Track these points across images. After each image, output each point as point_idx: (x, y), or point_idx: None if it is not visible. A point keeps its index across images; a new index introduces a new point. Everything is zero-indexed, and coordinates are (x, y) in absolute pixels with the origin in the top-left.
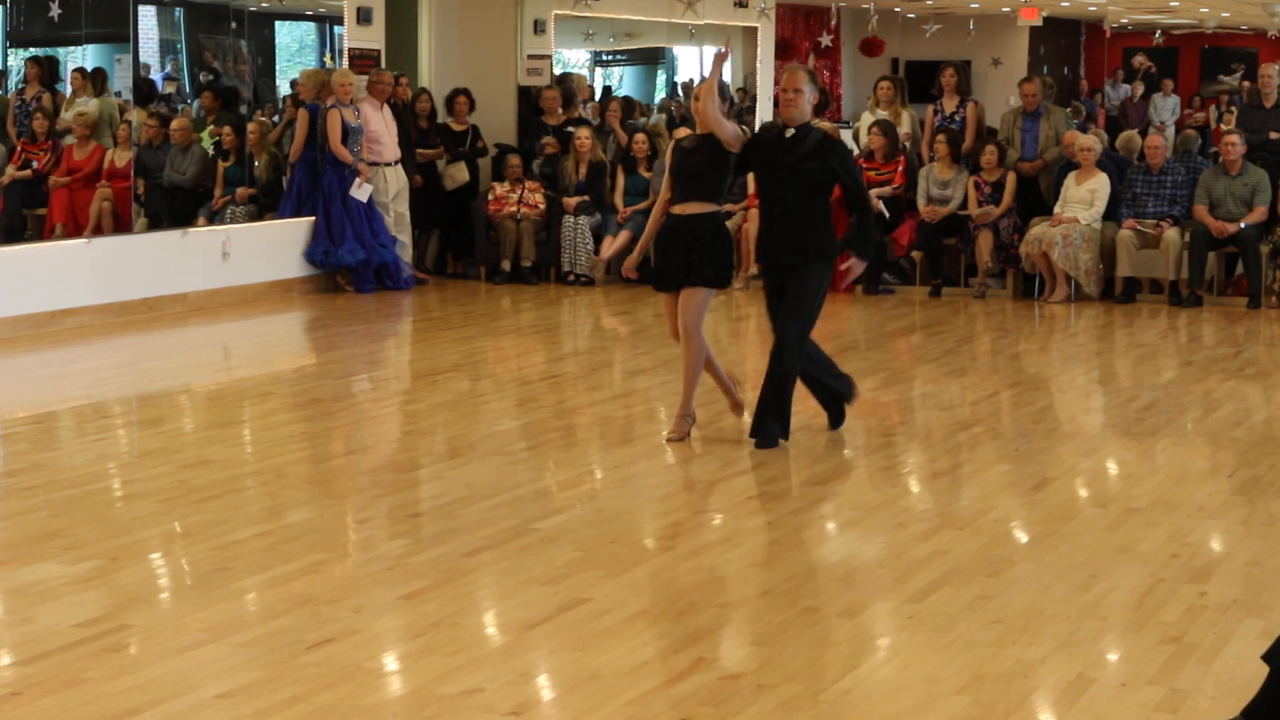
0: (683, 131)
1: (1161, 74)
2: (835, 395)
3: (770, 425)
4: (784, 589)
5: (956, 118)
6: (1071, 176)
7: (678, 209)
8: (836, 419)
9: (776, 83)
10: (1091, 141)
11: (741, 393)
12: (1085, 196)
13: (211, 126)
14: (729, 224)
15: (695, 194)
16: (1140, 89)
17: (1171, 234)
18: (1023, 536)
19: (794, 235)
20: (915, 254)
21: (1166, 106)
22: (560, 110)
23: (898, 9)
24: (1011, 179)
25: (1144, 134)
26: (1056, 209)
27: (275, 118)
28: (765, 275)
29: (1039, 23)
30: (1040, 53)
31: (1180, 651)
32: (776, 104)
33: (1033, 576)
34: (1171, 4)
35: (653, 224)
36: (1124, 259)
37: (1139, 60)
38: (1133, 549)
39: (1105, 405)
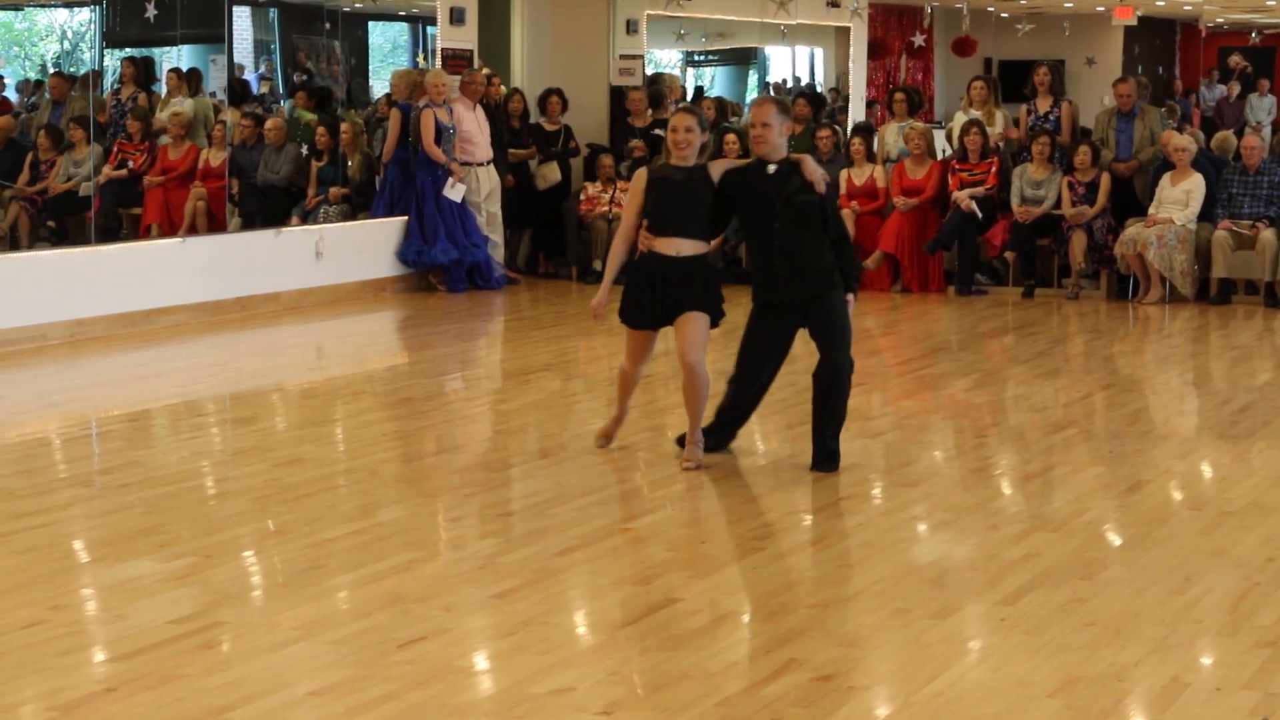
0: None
1: (1258, 74)
2: (726, 428)
3: (836, 456)
4: (875, 590)
5: (1050, 117)
6: (1167, 177)
7: (666, 248)
8: (714, 440)
9: (869, 83)
10: (1187, 142)
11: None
12: (1180, 197)
13: (308, 118)
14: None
15: (691, 231)
16: (1236, 89)
17: (1267, 235)
18: (1116, 539)
19: (801, 269)
20: (1008, 254)
21: (1263, 106)
22: (648, 112)
23: (991, 8)
24: (1106, 179)
25: (1240, 134)
26: (1151, 209)
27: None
28: (764, 312)
29: (1134, 22)
30: (1135, 52)
31: (1276, 656)
32: (871, 105)
33: (1126, 579)
34: (1268, 3)
35: (615, 260)
36: (1219, 260)
37: (1235, 60)
38: (1228, 552)
39: (1200, 407)
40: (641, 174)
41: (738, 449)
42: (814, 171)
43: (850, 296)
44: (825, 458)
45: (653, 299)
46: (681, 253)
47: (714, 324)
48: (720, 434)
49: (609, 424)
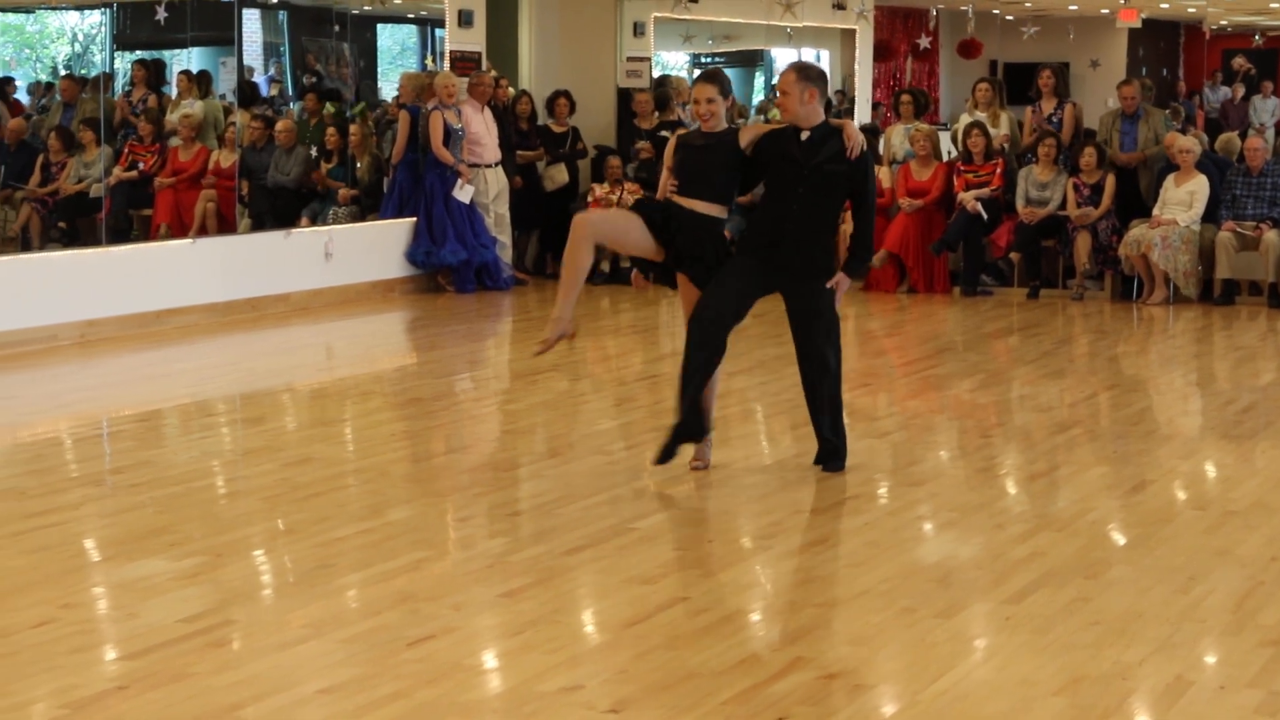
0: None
1: (1261, 76)
2: (694, 422)
3: (840, 453)
4: (881, 589)
5: (1054, 119)
6: (1171, 178)
7: (685, 202)
8: (672, 444)
9: (875, 85)
10: (1191, 143)
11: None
12: (1184, 198)
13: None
14: None
15: (707, 194)
16: (1240, 91)
17: (1271, 236)
18: (1121, 539)
19: (803, 246)
20: (1013, 255)
21: (1266, 108)
22: (654, 114)
23: (996, 11)
24: (1110, 181)
25: (1244, 136)
26: (1155, 211)
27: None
28: (750, 260)
29: (1138, 24)
30: (1139, 54)
31: (1279, 655)
32: (877, 107)
33: (1131, 579)
34: (1272, 5)
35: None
36: (1223, 261)
37: (1238, 62)
38: (1231, 552)
39: (1204, 408)
40: (673, 139)
41: (743, 450)
42: (854, 138)
43: (843, 278)
44: (829, 454)
45: (663, 220)
46: (696, 210)
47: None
48: (696, 426)
49: (549, 327)
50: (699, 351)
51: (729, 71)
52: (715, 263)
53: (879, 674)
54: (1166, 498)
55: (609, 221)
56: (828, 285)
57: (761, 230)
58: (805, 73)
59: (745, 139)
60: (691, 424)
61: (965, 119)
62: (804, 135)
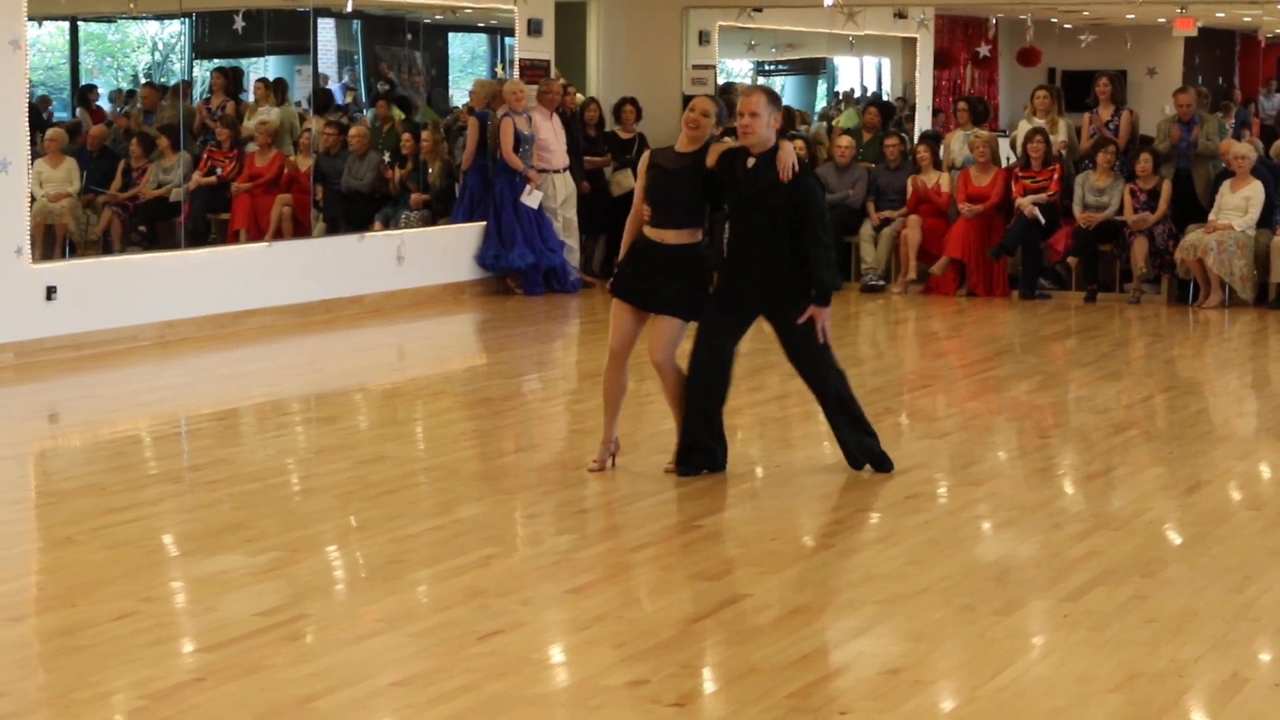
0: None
1: None
2: (706, 448)
3: (875, 447)
4: (941, 587)
5: (1111, 126)
6: (1226, 184)
7: (654, 234)
8: (687, 464)
9: (935, 92)
10: (1246, 149)
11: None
12: (1240, 204)
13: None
14: (887, 231)
15: (675, 222)
16: None
17: None
18: (1177, 538)
19: (762, 273)
20: (1071, 259)
21: None
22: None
23: (1055, 20)
24: (1166, 186)
25: None
26: (1211, 216)
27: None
28: (725, 291)
29: (1194, 33)
30: (1195, 63)
31: None
32: (937, 114)
33: (1187, 578)
34: None
35: (627, 238)
36: (1278, 265)
37: None
38: None
39: (1259, 409)
40: (645, 157)
41: (804, 450)
42: (784, 159)
43: (816, 309)
44: (872, 460)
45: (633, 274)
46: (665, 240)
47: (694, 317)
48: (700, 453)
49: (600, 448)
50: (700, 391)
51: (792, 79)
52: (682, 290)
53: (938, 670)
54: (1222, 498)
55: (614, 336)
56: (798, 321)
57: (726, 258)
58: (775, 99)
59: (712, 157)
60: (709, 453)
61: (1024, 126)
62: (750, 161)
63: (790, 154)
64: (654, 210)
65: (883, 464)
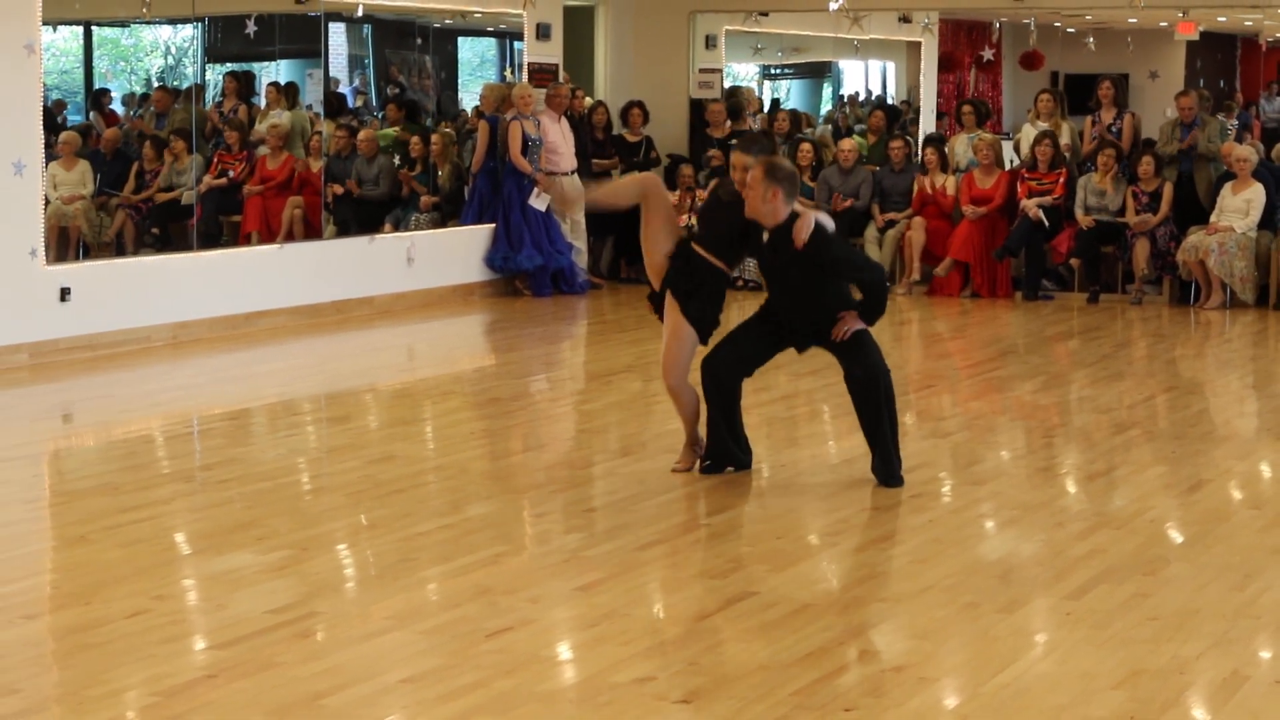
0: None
1: None
2: (727, 450)
3: (894, 463)
4: (945, 585)
5: (1113, 129)
6: (1228, 186)
7: (701, 251)
8: (713, 462)
9: (940, 96)
10: (1248, 152)
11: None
12: (1241, 206)
13: (397, 131)
14: (891, 233)
15: (716, 250)
16: None
17: None
18: (1178, 537)
19: (808, 322)
20: (1074, 261)
21: None
22: (726, 123)
23: (1058, 24)
24: (1168, 189)
25: None
26: (1213, 218)
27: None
28: (768, 324)
29: (1196, 37)
30: (1197, 66)
31: None
32: (941, 117)
33: (1188, 576)
34: None
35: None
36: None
37: None
38: None
39: (1260, 409)
40: (714, 182)
41: (810, 449)
42: (800, 229)
43: (853, 316)
44: (886, 476)
45: (687, 284)
46: (709, 260)
47: (704, 339)
48: (725, 452)
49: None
50: (713, 399)
51: (797, 83)
52: (711, 310)
53: (942, 667)
54: (1223, 497)
55: (677, 362)
56: (839, 315)
57: (771, 302)
58: (773, 173)
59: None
60: (731, 454)
61: (1028, 128)
62: (765, 235)
63: (806, 223)
64: (705, 231)
65: (891, 480)
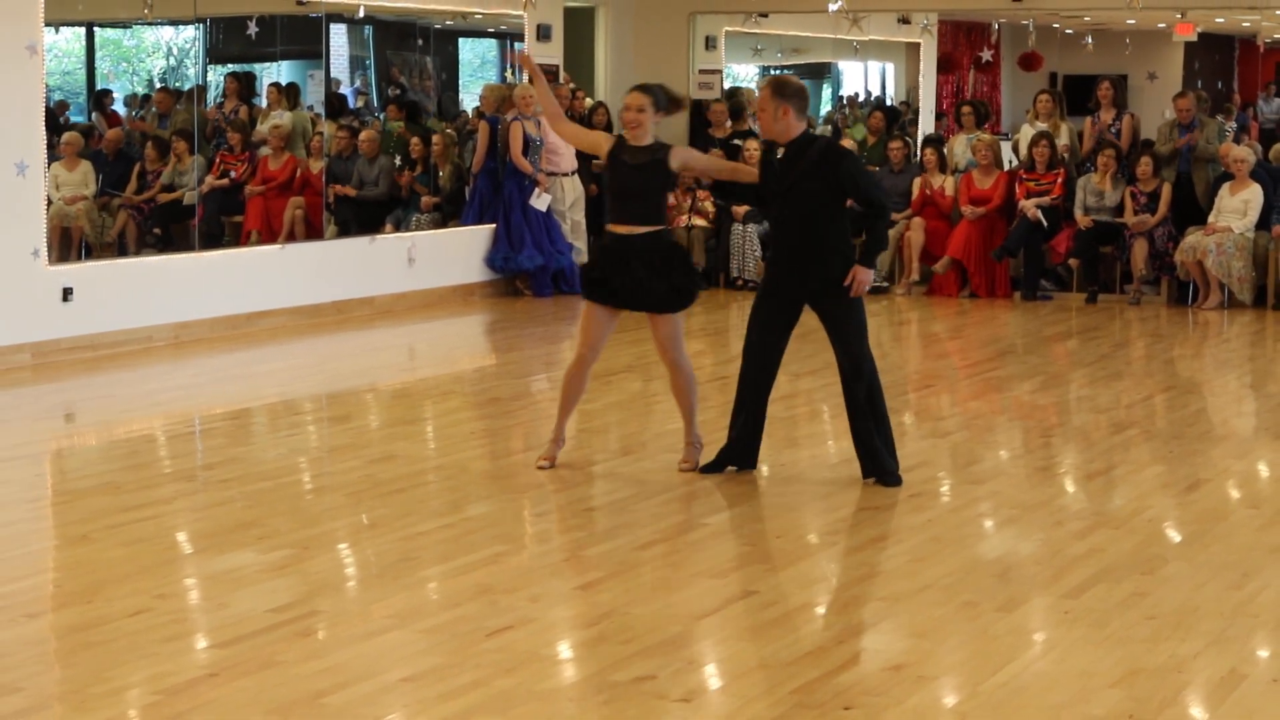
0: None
1: None
2: (879, 461)
3: (887, 462)
4: (944, 584)
5: (1112, 129)
6: (1225, 187)
7: (620, 229)
8: (873, 472)
9: (939, 97)
10: (1245, 153)
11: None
12: (1239, 206)
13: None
14: (891, 233)
15: (639, 216)
16: None
17: None
18: (1176, 536)
19: (804, 267)
20: (1072, 261)
21: None
22: (728, 123)
23: (1056, 25)
24: (1167, 189)
25: None
26: (1211, 218)
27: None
28: (770, 289)
29: (1194, 38)
30: (1195, 67)
31: None
32: (940, 117)
33: (1186, 575)
34: None
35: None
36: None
37: None
38: None
39: (1257, 409)
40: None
41: (809, 449)
42: (858, 283)
43: (860, 270)
44: (873, 471)
45: (620, 279)
46: (635, 231)
47: (688, 304)
48: (743, 453)
49: (550, 446)
50: (747, 381)
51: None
52: (671, 284)
53: (941, 666)
54: (1220, 496)
55: (587, 340)
56: (844, 284)
57: (772, 252)
58: (780, 90)
59: (676, 162)
60: (741, 450)
61: (1027, 129)
62: (780, 152)
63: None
64: (616, 204)
65: (888, 479)
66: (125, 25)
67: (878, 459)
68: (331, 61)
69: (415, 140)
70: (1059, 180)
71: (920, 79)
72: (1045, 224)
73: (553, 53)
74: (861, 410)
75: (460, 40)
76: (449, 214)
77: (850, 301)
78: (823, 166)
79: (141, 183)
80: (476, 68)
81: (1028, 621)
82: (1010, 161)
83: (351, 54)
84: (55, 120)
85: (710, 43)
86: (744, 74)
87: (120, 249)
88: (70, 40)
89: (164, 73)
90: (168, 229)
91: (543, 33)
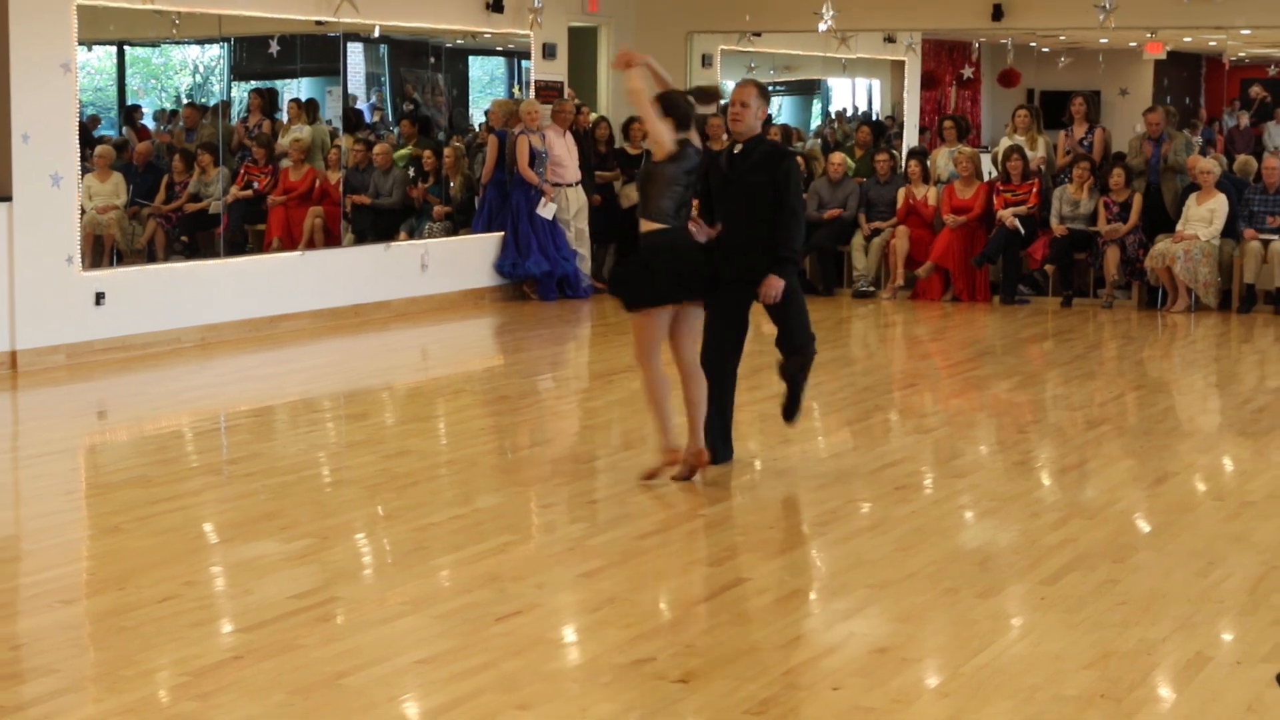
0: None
1: (1276, 103)
2: (720, 437)
3: (792, 411)
4: (927, 572)
5: (1085, 143)
6: (1193, 197)
7: (644, 227)
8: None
9: (922, 112)
10: (1211, 165)
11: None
12: (1205, 215)
13: (411, 148)
14: (877, 240)
15: (646, 212)
16: (1246, 119)
17: (1277, 245)
18: (1146, 526)
19: (747, 252)
20: (1048, 267)
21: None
22: (724, 136)
23: (1033, 44)
24: (1137, 199)
25: (1259, 158)
26: (1179, 226)
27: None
28: (723, 281)
29: (1163, 56)
30: (1164, 84)
31: None
32: (923, 131)
33: (1155, 563)
34: None
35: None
36: (1250, 267)
37: (1256, 90)
38: (1247, 539)
39: (1222, 407)
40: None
41: (801, 444)
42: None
43: (770, 280)
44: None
45: (666, 272)
46: (648, 230)
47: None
48: (713, 447)
49: (661, 460)
50: (710, 374)
51: (789, 99)
52: (703, 276)
53: (924, 649)
54: (1188, 489)
55: (653, 344)
56: (757, 290)
57: (721, 244)
58: (764, 92)
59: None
60: (711, 443)
61: (1005, 142)
62: (737, 148)
63: (774, 288)
64: (643, 202)
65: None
66: (154, 44)
67: (796, 399)
68: (349, 78)
69: (428, 153)
70: (1034, 190)
71: (905, 95)
72: (1023, 232)
73: (558, 70)
74: (797, 368)
75: (470, 58)
76: (460, 223)
77: (789, 289)
78: (767, 163)
79: (169, 193)
80: (485, 84)
81: (1006, 607)
82: (990, 173)
83: (368, 71)
84: (88, 134)
85: (706, 60)
86: None
87: (150, 256)
88: (102, 58)
89: (191, 89)
90: (194, 237)
91: (548, 51)
